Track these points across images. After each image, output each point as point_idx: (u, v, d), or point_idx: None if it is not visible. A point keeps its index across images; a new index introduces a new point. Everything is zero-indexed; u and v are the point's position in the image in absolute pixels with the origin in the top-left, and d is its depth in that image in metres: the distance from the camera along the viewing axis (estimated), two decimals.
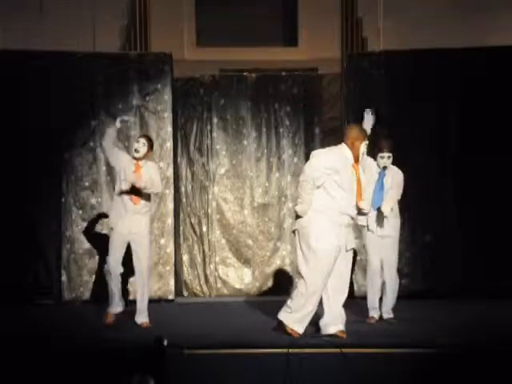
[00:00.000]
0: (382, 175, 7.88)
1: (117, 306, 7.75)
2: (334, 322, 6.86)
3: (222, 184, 10.51)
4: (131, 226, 7.70)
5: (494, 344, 6.22)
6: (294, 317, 6.79)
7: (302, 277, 6.77)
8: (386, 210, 7.74)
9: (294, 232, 6.95)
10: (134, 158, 7.81)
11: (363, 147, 6.90)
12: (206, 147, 10.51)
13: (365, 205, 6.95)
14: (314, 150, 10.33)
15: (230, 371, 5.93)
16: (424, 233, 9.81)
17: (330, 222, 6.73)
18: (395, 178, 7.92)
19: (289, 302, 6.87)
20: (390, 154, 7.89)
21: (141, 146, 7.78)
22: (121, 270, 7.73)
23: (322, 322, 6.88)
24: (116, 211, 7.78)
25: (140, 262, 7.73)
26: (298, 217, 6.88)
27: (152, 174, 7.79)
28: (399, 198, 7.96)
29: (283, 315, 6.87)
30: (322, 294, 6.82)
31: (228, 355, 6.05)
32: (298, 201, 6.84)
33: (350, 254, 6.97)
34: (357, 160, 6.89)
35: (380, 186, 7.84)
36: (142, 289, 7.76)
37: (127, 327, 7.66)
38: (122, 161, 7.84)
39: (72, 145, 9.92)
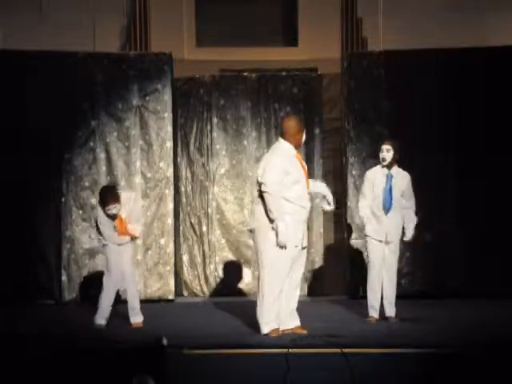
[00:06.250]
0: (389, 178, 7.92)
1: (101, 319, 7.74)
2: (291, 317, 6.99)
3: (222, 184, 10.50)
4: (124, 257, 7.77)
5: (494, 344, 6.21)
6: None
7: (264, 274, 6.87)
8: (408, 237, 8.00)
9: (251, 230, 7.06)
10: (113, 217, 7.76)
11: (304, 137, 7.11)
12: (206, 147, 10.50)
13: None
14: (314, 149, 10.48)
15: (230, 371, 5.92)
16: (424, 233, 9.81)
17: (292, 222, 6.81)
18: (405, 182, 7.97)
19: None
20: (389, 147, 7.91)
21: (115, 209, 7.63)
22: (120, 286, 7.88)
23: (279, 319, 6.95)
24: (112, 253, 7.79)
25: (127, 265, 7.80)
26: (255, 215, 7.00)
27: (133, 211, 7.77)
28: (413, 200, 8.06)
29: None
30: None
31: (228, 355, 6.05)
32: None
33: (305, 252, 7.10)
34: (297, 148, 7.05)
35: (388, 189, 7.89)
36: (131, 294, 7.83)
37: (126, 327, 7.67)
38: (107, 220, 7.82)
39: (72, 145, 9.92)
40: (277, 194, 6.76)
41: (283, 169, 6.81)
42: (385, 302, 7.93)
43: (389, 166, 7.96)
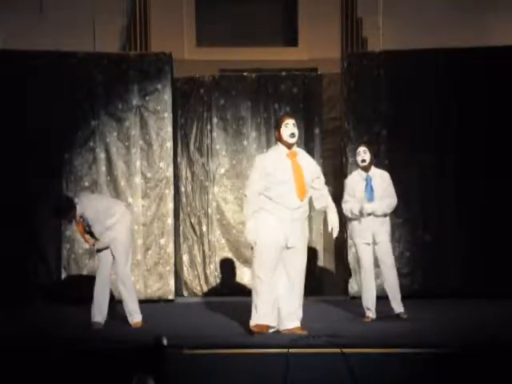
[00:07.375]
0: (368, 181, 7.89)
1: (98, 316, 7.70)
2: (290, 318, 6.94)
3: (222, 184, 10.51)
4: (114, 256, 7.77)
5: (494, 344, 6.21)
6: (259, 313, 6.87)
7: (253, 272, 6.91)
8: (368, 207, 7.78)
9: None
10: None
11: (287, 129, 6.88)
12: (206, 147, 10.51)
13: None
14: (314, 149, 10.49)
15: (230, 371, 5.92)
16: (424, 233, 9.82)
17: (272, 219, 6.80)
18: (385, 180, 7.95)
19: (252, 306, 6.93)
20: (365, 149, 7.92)
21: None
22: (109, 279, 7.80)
23: (277, 319, 6.93)
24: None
25: (117, 266, 7.72)
26: None
27: (93, 225, 7.62)
28: (395, 199, 7.97)
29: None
30: (275, 290, 6.88)
31: (228, 355, 6.04)
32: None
33: (301, 252, 6.95)
34: (289, 146, 6.91)
35: (369, 191, 7.84)
36: (124, 297, 7.76)
37: (126, 327, 7.67)
38: None
39: (72, 145, 9.93)
40: (253, 194, 6.81)
41: (263, 169, 6.84)
42: (391, 300, 7.91)
43: (367, 168, 7.94)
